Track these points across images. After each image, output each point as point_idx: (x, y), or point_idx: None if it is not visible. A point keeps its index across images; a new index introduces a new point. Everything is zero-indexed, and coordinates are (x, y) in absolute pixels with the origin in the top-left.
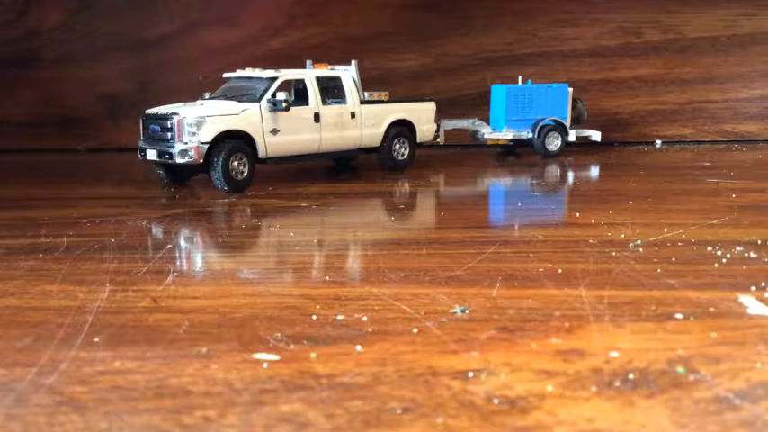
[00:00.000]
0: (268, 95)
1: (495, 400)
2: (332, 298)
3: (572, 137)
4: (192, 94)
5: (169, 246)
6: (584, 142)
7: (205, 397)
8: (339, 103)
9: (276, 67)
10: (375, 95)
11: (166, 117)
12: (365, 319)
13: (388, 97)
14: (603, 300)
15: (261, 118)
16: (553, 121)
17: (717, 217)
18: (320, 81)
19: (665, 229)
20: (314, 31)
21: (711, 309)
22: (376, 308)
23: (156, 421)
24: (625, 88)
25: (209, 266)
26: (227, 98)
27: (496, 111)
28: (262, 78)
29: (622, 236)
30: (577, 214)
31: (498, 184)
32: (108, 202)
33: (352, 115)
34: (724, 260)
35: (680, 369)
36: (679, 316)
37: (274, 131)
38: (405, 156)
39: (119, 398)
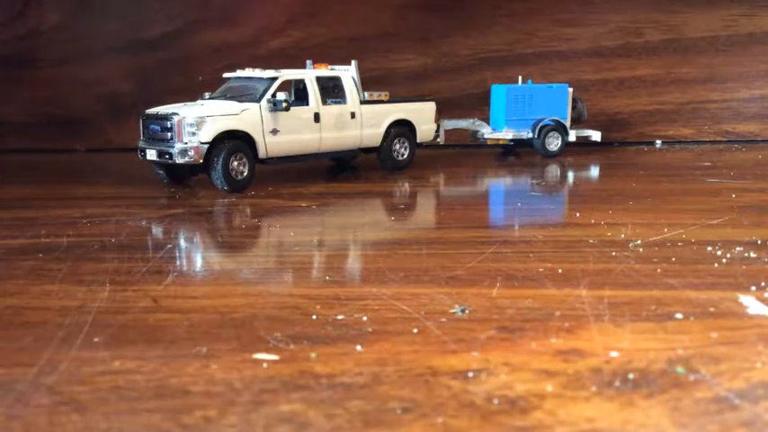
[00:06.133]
0: (268, 95)
1: (495, 400)
2: (332, 298)
3: (572, 137)
4: (192, 94)
5: (169, 246)
6: (584, 142)
7: (205, 397)
8: (339, 103)
9: (276, 67)
10: (375, 95)
11: (166, 117)
12: (365, 319)
13: (388, 97)
14: (603, 300)
15: (261, 118)
16: (553, 121)
17: (717, 217)
18: (320, 81)
19: (665, 229)
20: (314, 31)
21: (711, 309)
22: (376, 308)
23: (156, 421)
24: (625, 88)
25: (209, 266)
26: (227, 98)
27: (496, 111)
28: (262, 78)
29: (622, 236)
30: (577, 214)
31: (498, 183)
32: (108, 202)
33: (352, 115)
34: (724, 260)
35: (680, 369)
36: (679, 316)
37: (274, 131)
38: (405, 156)
39: (119, 398)
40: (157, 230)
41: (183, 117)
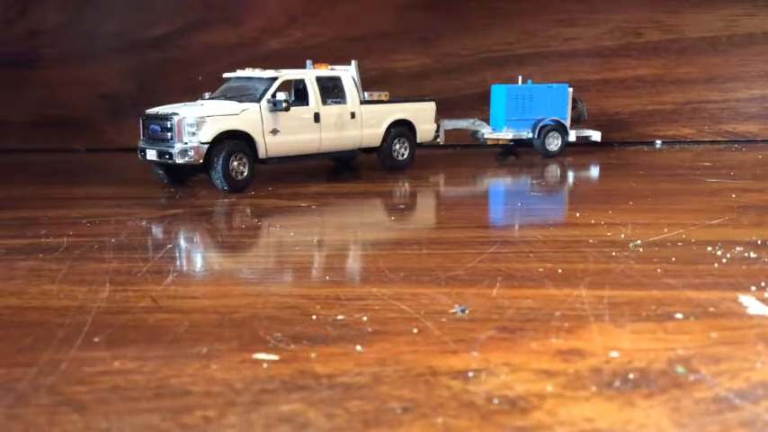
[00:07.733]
0: (268, 95)
1: (495, 400)
2: (332, 298)
3: (572, 137)
4: (192, 94)
5: (169, 246)
6: (584, 142)
7: (205, 397)
8: (339, 103)
9: (276, 67)
10: (375, 95)
11: (166, 117)
12: (365, 319)
13: (388, 97)
14: (603, 300)
15: (261, 118)
16: (553, 121)
17: (717, 217)
18: (320, 81)
19: (665, 229)
20: (314, 31)
21: (711, 309)
22: (376, 308)
23: (156, 421)
24: (625, 88)
25: (209, 266)
26: (227, 98)
27: (496, 111)
28: (262, 78)
29: (622, 236)
30: (577, 214)
31: (498, 183)
32: (108, 202)
33: (352, 115)
34: (724, 260)
35: (680, 369)
36: (679, 316)
37: (274, 131)
38: (405, 156)
39: (119, 398)
40: (157, 230)
41: (183, 117)
